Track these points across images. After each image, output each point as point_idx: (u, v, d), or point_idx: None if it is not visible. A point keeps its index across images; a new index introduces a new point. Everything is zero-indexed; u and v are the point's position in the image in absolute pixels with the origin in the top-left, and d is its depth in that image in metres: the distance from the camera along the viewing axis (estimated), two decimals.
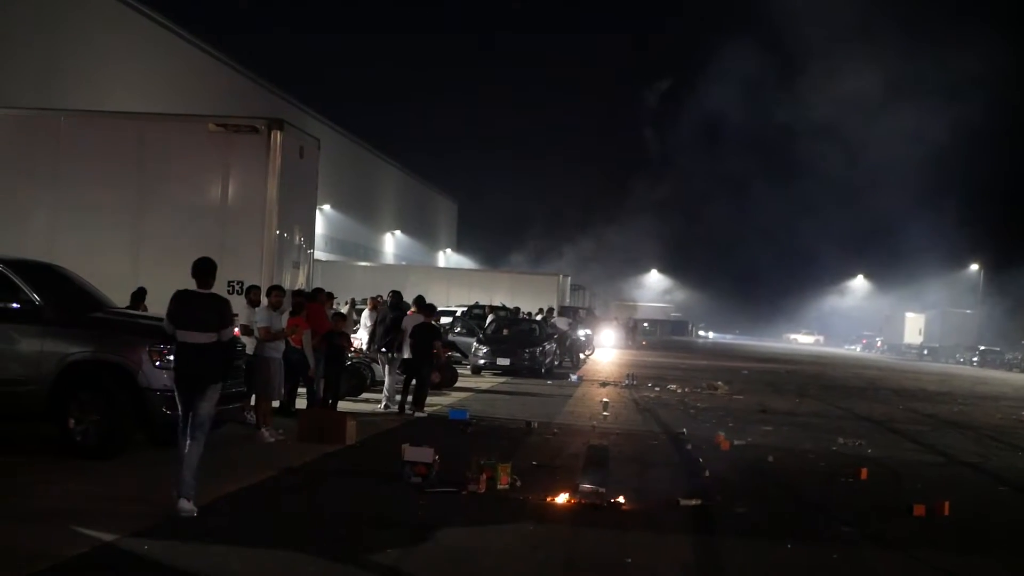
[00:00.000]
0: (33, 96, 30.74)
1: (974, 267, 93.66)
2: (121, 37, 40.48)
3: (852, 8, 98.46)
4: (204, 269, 10.19)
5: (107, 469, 11.56)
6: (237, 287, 16.94)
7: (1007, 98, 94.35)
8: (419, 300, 20.36)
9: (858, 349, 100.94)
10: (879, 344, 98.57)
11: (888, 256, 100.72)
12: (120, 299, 15.26)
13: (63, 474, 11.11)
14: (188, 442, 9.76)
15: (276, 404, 16.16)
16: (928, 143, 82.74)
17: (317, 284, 21.17)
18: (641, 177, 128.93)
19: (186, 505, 9.57)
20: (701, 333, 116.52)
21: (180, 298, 10.04)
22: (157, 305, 16.14)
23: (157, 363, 12.06)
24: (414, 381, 19.68)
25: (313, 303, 17.64)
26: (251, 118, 18.48)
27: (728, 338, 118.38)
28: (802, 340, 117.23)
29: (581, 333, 43.23)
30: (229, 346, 10.68)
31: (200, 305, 9.98)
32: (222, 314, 10.12)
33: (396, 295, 21.55)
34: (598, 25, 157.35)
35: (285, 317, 15.93)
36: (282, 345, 15.38)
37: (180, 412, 9.96)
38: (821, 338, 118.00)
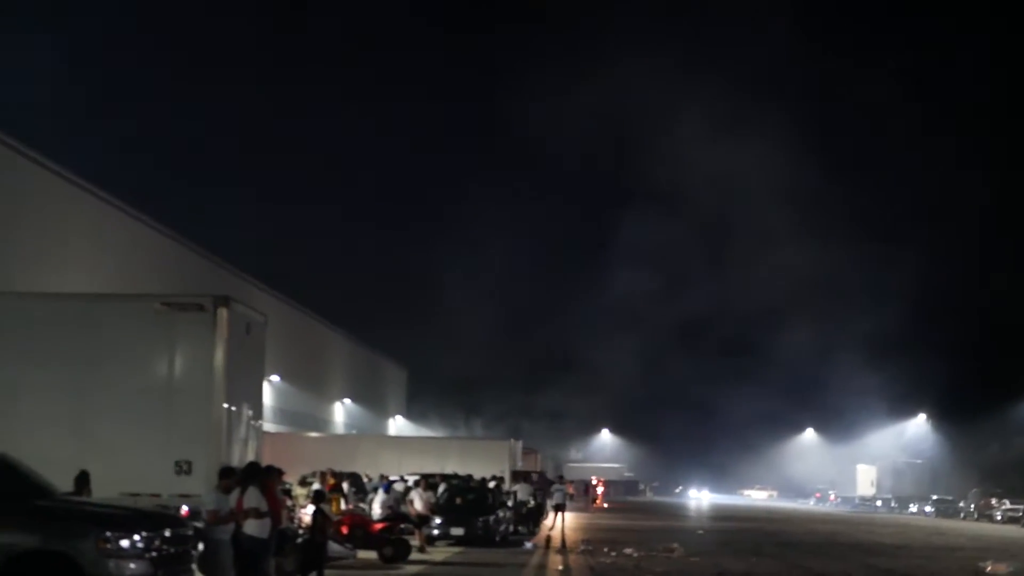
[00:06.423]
0: None
1: (921, 416, 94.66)
2: (75, 218, 40.35)
3: None
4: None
5: None
6: (185, 467, 16.60)
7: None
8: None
9: (812, 503, 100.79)
10: (832, 497, 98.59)
11: (834, 410, 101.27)
12: (63, 483, 14.93)
13: None
14: None
15: None
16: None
17: (265, 458, 20.69)
18: (588, 338, 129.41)
19: None
20: (694, 491, 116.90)
21: None
22: (102, 488, 15.85)
23: (106, 552, 11.77)
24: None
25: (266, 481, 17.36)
26: (197, 295, 18.45)
27: (721, 497, 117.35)
28: (755, 495, 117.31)
29: (537, 497, 42.83)
30: None
31: None
32: None
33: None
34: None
35: (234, 497, 15.61)
36: (231, 527, 15.06)
37: None
38: (774, 492, 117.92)
